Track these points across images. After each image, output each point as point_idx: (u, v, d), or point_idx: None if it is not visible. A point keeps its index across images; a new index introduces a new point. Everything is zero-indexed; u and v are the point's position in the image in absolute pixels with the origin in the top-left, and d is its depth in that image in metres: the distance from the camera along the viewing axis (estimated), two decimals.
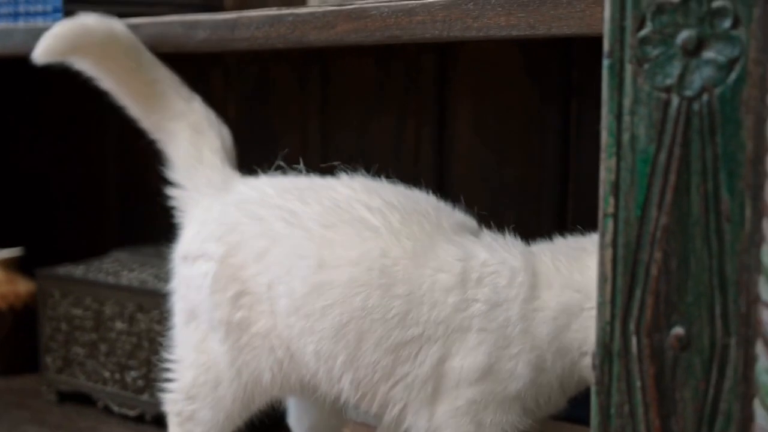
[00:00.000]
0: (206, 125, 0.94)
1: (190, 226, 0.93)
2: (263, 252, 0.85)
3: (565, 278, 0.78)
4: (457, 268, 0.78)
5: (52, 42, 0.93)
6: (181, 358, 0.92)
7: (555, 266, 0.79)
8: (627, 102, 0.62)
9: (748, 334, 0.59)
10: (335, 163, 0.88)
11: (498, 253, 0.80)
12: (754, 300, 0.58)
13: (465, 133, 1.22)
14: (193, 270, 0.89)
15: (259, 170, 0.93)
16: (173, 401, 0.93)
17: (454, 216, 0.84)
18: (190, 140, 0.94)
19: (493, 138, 1.19)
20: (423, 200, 0.85)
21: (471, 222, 0.85)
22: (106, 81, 0.97)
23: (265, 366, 0.86)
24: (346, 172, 0.87)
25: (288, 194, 0.86)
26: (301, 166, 0.91)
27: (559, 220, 1.13)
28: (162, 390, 0.94)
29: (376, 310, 0.79)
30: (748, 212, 0.59)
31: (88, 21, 0.94)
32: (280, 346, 0.85)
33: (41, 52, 0.93)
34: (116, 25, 0.96)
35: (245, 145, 1.45)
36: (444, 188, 1.21)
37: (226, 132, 0.97)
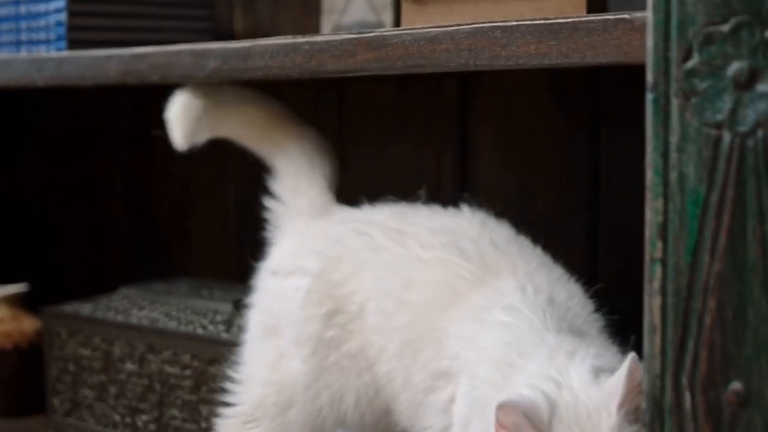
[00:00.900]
0: (319, 152, 0.98)
1: (284, 242, 0.94)
2: (362, 267, 0.85)
3: None
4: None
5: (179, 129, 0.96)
6: (248, 377, 0.90)
7: None
8: (674, 139, 0.59)
9: None
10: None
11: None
12: None
13: (488, 161, 1.19)
14: (284, 284, 0.90)
15: None
16: (231, 426, 0.90)
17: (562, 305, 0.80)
18: (301, 161, 0.97)
19: (517, 166, 1.17)
20: (533, 258, 0.84)
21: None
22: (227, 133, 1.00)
23: (351, 388, 0.85)
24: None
25: (393, 215, 0.88)
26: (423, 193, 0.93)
27: (589, 253, 1.10)
28: (213, 416, 0.92)
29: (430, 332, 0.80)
30: None
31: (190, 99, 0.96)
32: (367, 368, 0.84)
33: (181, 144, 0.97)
34: (216, 93, 0.98)
35: (256, 170, 1.43)
36: None
37: (332, 165, 0.99)
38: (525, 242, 0.86)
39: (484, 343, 0.75)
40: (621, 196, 1.08)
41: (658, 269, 0.60)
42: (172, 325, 1.14)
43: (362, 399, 0.86)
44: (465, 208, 0.89)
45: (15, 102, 1.59)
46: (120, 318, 1.19)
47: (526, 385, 0.68)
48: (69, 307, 1.26)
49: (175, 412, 1.13)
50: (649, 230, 0.61)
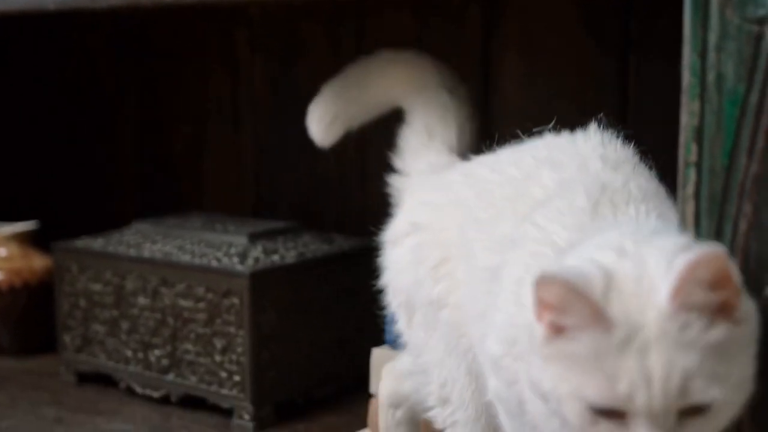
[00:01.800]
0: (450, 115, 0.95)
1: (401, 210, 0.91)
2: (463, 204, 0.80)
3: None
4: None
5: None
6: (427, 366, 0.84)
7: None
8: (713, 37, 0.58)
9: None
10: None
11: None
12: None
13: (513, 92, 1.18)
14: (402, 250, 0.86)
15: None
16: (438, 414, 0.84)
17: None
18: (426, 127, 0.95)
19: (543, 96, 1.15)
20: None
21: None
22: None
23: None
24: None
25: (509, 153, 0.81)
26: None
27: None
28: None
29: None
30: None
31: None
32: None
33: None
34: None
35: (274, 109, 1.43)
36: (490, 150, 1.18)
37: (469, 126, 0.97)
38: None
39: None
40: (650, 125, 1.07)
41: (693, 173, 0.60)
42: (185, 258, 1.14)
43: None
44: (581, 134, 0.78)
45: (22, 32, 1.58)
46: (132, 252, 1.19)
47: (579, 258, 0.58)
48: (80, 242, 1.26)
49: (189, 346, 1.14)
50: (684, 134, 0.60)
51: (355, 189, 1.35)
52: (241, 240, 1.16)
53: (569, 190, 0.69)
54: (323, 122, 1.00)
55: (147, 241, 1.21)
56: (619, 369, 0.54)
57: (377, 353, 1.01)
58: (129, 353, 1.20)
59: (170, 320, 1.15)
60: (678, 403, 0.54)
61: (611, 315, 0.54)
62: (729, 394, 0.54)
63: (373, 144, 1.33)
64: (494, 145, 0.85)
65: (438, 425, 0.85)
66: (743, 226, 0.58)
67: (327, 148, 1.02)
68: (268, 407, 1.11)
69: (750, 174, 0.58)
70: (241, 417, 1.10)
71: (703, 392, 0.53)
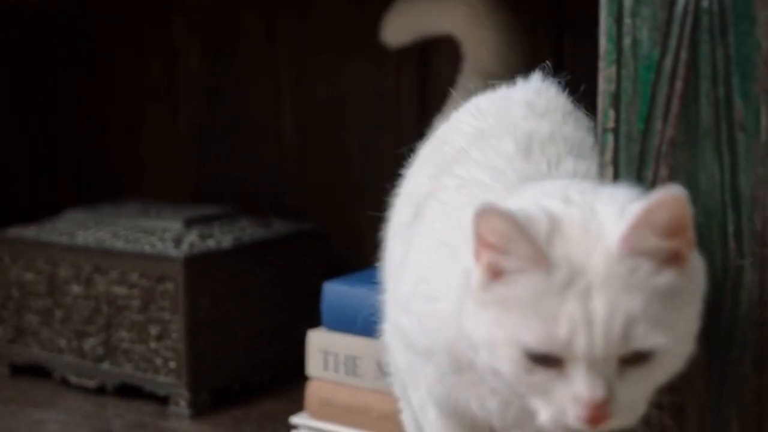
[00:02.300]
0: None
1: None
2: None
3: None
4: None
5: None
6: None
7: None
8: (628, 2, 0.60)
9: (765, 254, 0.57)
10: None
11: None
12: None
13: (450, 72, 1.19)
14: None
15: None
16: None
17: None
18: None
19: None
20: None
21: None
22: None
23: None
24: None
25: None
26: None
27: None
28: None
29: None
30: (763, 119, 0.56)
31: None
32: None
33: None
34: None
35: (212, 93, 1.42)
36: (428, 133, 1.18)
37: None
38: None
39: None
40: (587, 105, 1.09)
41: (610, 139, 0.61)
42: (119, 244, 1.14)
43: None
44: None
45: None
46: (65, 240, 1.18)
47: (521, 202, 0.56)
48: (12, 231, 1.24)
49: (124, 333, 1.13)
50: (602, 100, 0.61)
51: (295, 173, 1.35)
52: (176, 225, 1.15)
53: (492, 136, 0.67)
54: (397, 21, 1.10)
55: (80, 228, 1.20)
56: (559, 312, 0.51)
57: (313, 335, 1.01)
58: (63, 343, 1.19)
59: (104, 308, 1.14)
60: (620, 350, 0.51)
61: (554, 257, 0.52)
62: (672, 345, 0.52)
63: (313, 126, 1.34)
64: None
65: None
66: None
67: (392, 45, 1.11)
68: (204, 394, 1.10)
69: (665, 138, 0.59)
70: (177, 404, 1.10)
71: (646, 338, 0.51)
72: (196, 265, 1.09)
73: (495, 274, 0.54)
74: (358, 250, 1.30)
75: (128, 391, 1.14)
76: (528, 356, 0.52)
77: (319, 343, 1.01)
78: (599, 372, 0.51)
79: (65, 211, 1.28)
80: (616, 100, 0.60)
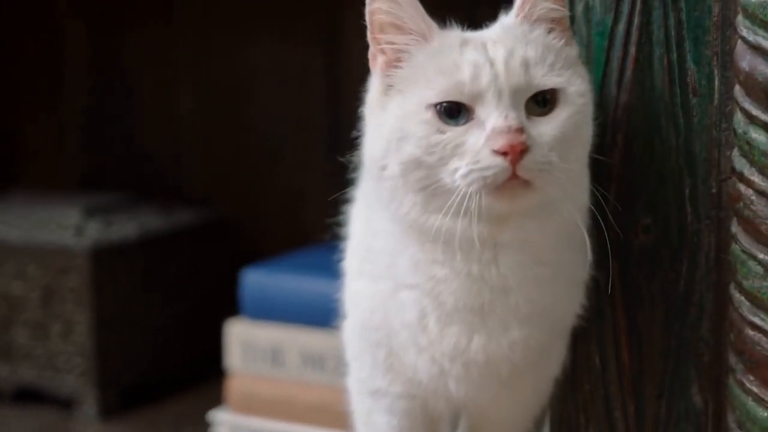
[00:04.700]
0: None
1: None
2: None
3: None
4: None
5: None
6: None
7: None
8: None
9: (720, 217, 0.60)
10: None
11: None
12: (726, 178, 0.59)
13: (361, 52, 1.20)
14: None
15: None
16: None
17: None
18: None
19: None
20: None
21: None
22: None
23: None
24: None
25: None
26: None
27: None
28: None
29: None
30: (716, 83, 0.60)
31: None
32: None
33: None
34: None
35: (96, 79, 1.39)
36: (338, 115, 1.19)
37: None
38: None
39: None
40: None
41: None
42: (13, 235, 1.10)
43: None
44: None
45: None
46: None
47: None
48: None
49: (21, 332, 1.10)
50: None
51: (194, 159, 1.34)
52: (74, 214, 1.12)
53: None
54: None
55: None
56: (460, 61, 0.57)
57: (233, 326, 1.01)
58: None
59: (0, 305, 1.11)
60: (521, 84, 0.56)
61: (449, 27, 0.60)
62: (569, 95, 0.57)
63: (213, 108, 1.32)
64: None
65: None
66: (616, 156, 0.62)
67: None
68: (113, 393, 1.08)
69: (620, 104, 0.61)
70: (83, 405, 1.07)
71: (544, 78, 0.57)
72: (102, 255, 1.07)
73: (392, 62, 0.59)
74: (264, 237, 1.30)
75: (29, 395, 1.11)
76: (438, 114, 0.57)
77: (238, 334, 1.00)
78: (508, 105, 0.56)
79: None
80: None
